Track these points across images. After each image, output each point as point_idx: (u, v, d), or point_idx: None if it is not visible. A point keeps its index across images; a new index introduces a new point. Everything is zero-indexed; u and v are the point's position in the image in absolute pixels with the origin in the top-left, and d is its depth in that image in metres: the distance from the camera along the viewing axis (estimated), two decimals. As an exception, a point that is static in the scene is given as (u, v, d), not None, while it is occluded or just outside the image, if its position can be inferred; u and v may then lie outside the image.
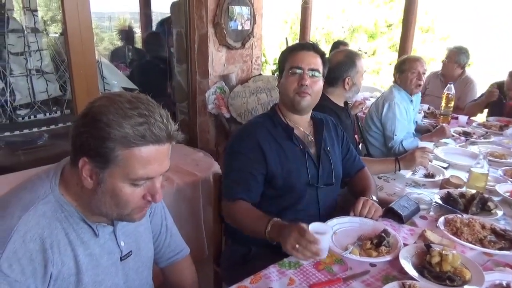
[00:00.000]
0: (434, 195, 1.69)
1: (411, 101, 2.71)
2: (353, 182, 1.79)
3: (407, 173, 1.99)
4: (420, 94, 2.99)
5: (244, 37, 3.10)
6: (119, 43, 4.50)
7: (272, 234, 1.29)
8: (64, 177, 0.96)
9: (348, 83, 2.10)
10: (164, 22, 3.96)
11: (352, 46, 7.23)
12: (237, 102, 3.07)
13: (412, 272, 1.16)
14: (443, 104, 3.04)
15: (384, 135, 2.63)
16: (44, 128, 3.07)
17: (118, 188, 0.89)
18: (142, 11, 4.60)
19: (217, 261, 1.76)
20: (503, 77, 3.31)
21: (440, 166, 2.10)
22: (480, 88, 3.61)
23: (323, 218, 1.47)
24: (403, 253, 1.25)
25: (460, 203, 1.59)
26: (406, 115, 2.63)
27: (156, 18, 4.54)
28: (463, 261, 1.20)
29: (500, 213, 1.56)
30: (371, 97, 4.03)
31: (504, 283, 1.14)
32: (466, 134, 2.75)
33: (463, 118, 3.12)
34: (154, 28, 4.53)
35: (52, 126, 3.12)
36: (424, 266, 1.18)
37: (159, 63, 3.80)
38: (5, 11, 2.91)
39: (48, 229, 0.90)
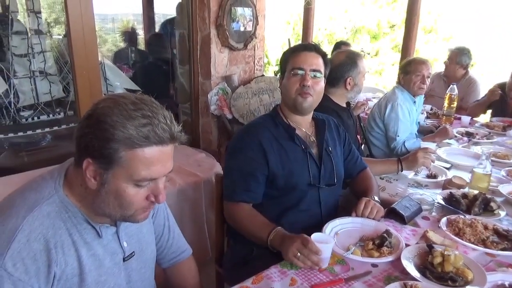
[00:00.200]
0: (437, 196, 1.69)
1: (414, 102, 2.70)
2: (355, 182, 1.79)
3: (410, 174, 1.99)
4: (423, 95, 2.98)
5: (247, 38, 3.11)
6: (122, 45, 4.53)
7: (274, 242, 1.32)
8: (68, 178, 0.97)
9: (349, 83, 2.10)
10: (167, 24, 3.97)
11: (355, 47, 7.23)
12: (239, 103, 3.07)
13: (414, 272, 1.16)
14: (445, 104, 3.04)
15: (387, 136, 2.62)
16: (47, 130, 3.10)
17: (121, 188, 0.90)
18: (145, 12, 4.63)
19: (219, 262, 1.77)
20: (506, 77, 3.30)
21: (443, 167, 2.09)
22: (484, 88, 3.59)
23: (325, 219, 1.47)
24: (405, 253, 1.24)
25: (463, 204, 1.59)
26: (409, 116, 2.62)
27: (159, 20, 4.56)
28: (465, 262, 1.19)
29: (502, 213, 1.56)
30: (374, 97, 4.02)
31: (506, 283, 1.13)
32: (469, 135, 2.75)
33: (465, 119, 3.11)
34: (157, 30, 4.55)
35: (56, 128, 3.14)
36: (426, 266, 1.18)
37: (162, 64, 3.82)
38: (9, 13, 2.94)
39: (52, 230, 0.91)
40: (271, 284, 1.15)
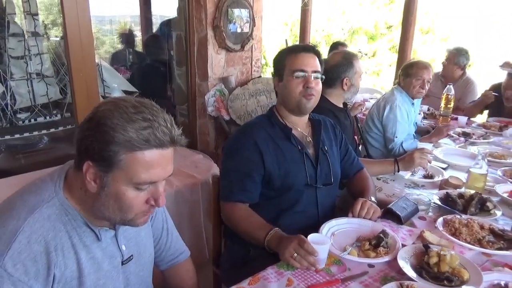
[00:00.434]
0: (433, 196, 1.69)
1: (413, 104, 2.71)
2: (352, 183, 1.79)
3: (406, 174, 2.00)
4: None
5: (244, 39, 3.11)
6: (119, 47, 4.53)
7: (271, 243, 1.32)
8: (68, 181, 0.97)
9: (346, 84, 2.11)
10: (164, 25, 3.98)
11: (352, 48, 7.24)
12: (236, 105, 3.07)
13: (411, 272, 1.16)
14: (442, 105, 3.05)
15: (385, 137, 2.63)
16: (44, 132, 3.09)
17: (121, 191, 0.90)
18: (143, 14, 4.63)
19: (217, 263, 1.77)
20: (502, 77, 3.31)
21: (439, 167, 2.10)
22: (481, 89, 3.61)
23: (322, 220, 1.48)
24: (401, 253, 1.25)
25: (459, 204, 1.60)
26: (407, 117, 2.63)
27: (156, 21, 4.56)
28: (461, 262, 1.20)
29: (499, 213, 1.57)
30: (371, 98, 4.04)
31: (502, 283, 1.14)
32: (466, 135, 2.76)
33: (462, 119, 3.12)
34: (155, 31, 4.55)
35: (52, 130, 3.14)
36: (422, 266, 1.18)
37: (159, 66, 3.82)
38: (6, 15, 2.93)
39: (52, 232, 0.91)
40: (267, 285, 1.15)
